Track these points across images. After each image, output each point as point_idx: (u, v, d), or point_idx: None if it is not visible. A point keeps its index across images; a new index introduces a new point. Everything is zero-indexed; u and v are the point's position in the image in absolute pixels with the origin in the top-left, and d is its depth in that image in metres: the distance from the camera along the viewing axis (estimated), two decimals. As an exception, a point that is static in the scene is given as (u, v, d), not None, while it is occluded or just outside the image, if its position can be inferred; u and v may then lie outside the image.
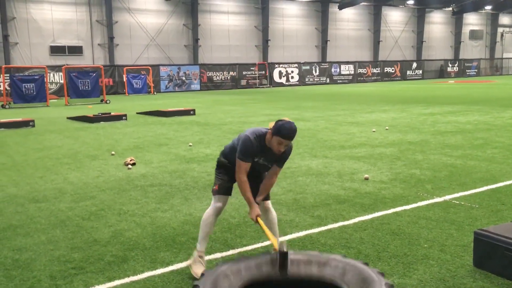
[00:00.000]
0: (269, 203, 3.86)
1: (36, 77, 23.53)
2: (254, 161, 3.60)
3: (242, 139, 3.54)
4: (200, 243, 3.74)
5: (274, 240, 3.30)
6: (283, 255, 2.75)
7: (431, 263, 3.77)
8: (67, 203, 5.77)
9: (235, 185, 3.74)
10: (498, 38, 58.16)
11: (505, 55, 58.88)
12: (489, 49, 58.00)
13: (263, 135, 3.53)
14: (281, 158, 3.62)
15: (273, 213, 3.88)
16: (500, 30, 58.15)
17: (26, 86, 22.78)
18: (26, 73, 26.62)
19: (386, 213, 5.05)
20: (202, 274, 2.60)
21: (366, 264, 2.67)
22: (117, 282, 3.58)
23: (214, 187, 3.77)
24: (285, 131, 3.36)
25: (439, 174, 6.72)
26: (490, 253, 3.55)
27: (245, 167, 3.55)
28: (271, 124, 3.47)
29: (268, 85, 39.29)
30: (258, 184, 3.72)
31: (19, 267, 3.91)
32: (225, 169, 3.77)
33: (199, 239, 3.76)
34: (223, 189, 3.74)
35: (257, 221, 3.53)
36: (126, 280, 3.62)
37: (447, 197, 5.55)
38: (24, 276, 3.74)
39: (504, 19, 58.49)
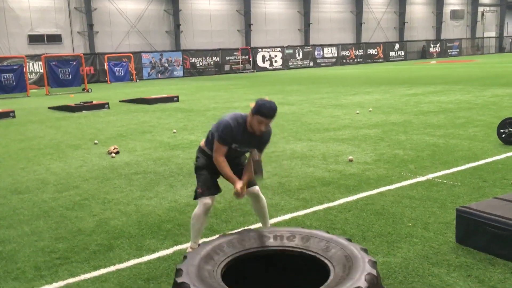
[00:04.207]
0: (256, 188, 3.76)
1: (15, 67, 23.10)
2: (231, 147, 3.55)
3: (222, 124, 3.49)
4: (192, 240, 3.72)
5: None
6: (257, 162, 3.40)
7: (415, 241, 3.82)
8: (50, 193, 5.70)
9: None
10: (479, 18, 58.51)
11: (486, 35, 59.33)
12: (470, 28, 58.36)
13: (243, 120, 3.49)
14: (260, 143, 3.56)
15: (262, 198, 3.81)
16: (480, 9, 58.47)
17: (5, 76, 22.37)
18: (5, 63, 26.08)
19: (370, 193, 5.10)
20: (185, 257, 2.55)
21: (349, 240, 2.67)
22: (103, 271, 3.57)
23: (198, 190, 3.66)
24: (265, 109, 3.32)
25: (422, 154, 6.79)
26: (472, 229, 3.61)
27: (223, 150, 3.52)
28: (252, 104, 3.42)
29: (252, 70, 39.10)
30: (235, 168, 3.63)
31: (3, 258, 3.87)
32: (207, 164, 3.68)
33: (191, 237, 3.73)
34: (208, 190, 3.66)
35: (241, 192, 3.47)
36: (112, 268, 3.61)
37: (430, 176, 5.62)
38: (8, 267, 3.71)
39: (484, -2, 58.88)
